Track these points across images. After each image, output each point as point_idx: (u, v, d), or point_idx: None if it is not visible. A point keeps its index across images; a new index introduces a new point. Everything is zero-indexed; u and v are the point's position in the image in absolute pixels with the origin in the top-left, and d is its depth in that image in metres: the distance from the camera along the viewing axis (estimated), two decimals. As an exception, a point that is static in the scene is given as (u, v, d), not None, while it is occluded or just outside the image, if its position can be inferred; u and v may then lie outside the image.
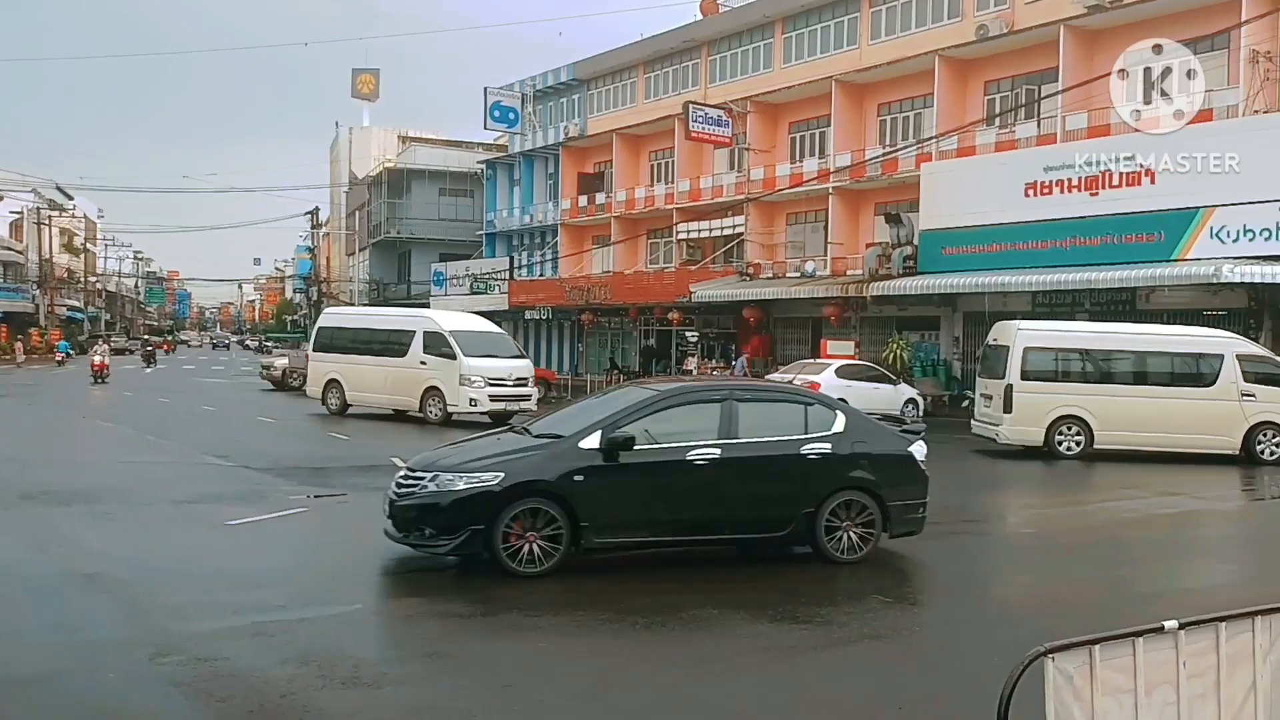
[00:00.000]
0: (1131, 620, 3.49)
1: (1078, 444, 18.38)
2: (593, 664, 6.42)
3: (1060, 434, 18.40)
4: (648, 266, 42.67)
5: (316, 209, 65.43)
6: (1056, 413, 18.35)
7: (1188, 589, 8.88)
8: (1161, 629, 3.31)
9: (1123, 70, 25.92)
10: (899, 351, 30.26)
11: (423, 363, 22.96)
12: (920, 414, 25.96)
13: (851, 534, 8.90)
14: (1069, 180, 26.30)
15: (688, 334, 37.01)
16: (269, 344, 70.86)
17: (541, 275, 47.84)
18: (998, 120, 30.11)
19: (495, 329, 25.83)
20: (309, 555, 9.82)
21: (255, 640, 6.61)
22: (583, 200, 45.60)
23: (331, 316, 27.16)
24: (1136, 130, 25.55)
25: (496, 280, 47.39)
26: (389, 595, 8.45)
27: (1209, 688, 3.46)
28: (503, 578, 8.02)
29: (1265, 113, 23.99)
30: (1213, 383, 18.24)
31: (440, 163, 59.65)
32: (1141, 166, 24.82)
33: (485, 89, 48.77)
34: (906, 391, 26.20)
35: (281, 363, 36.75)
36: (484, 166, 54.86)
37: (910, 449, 9.51)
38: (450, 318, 25.14)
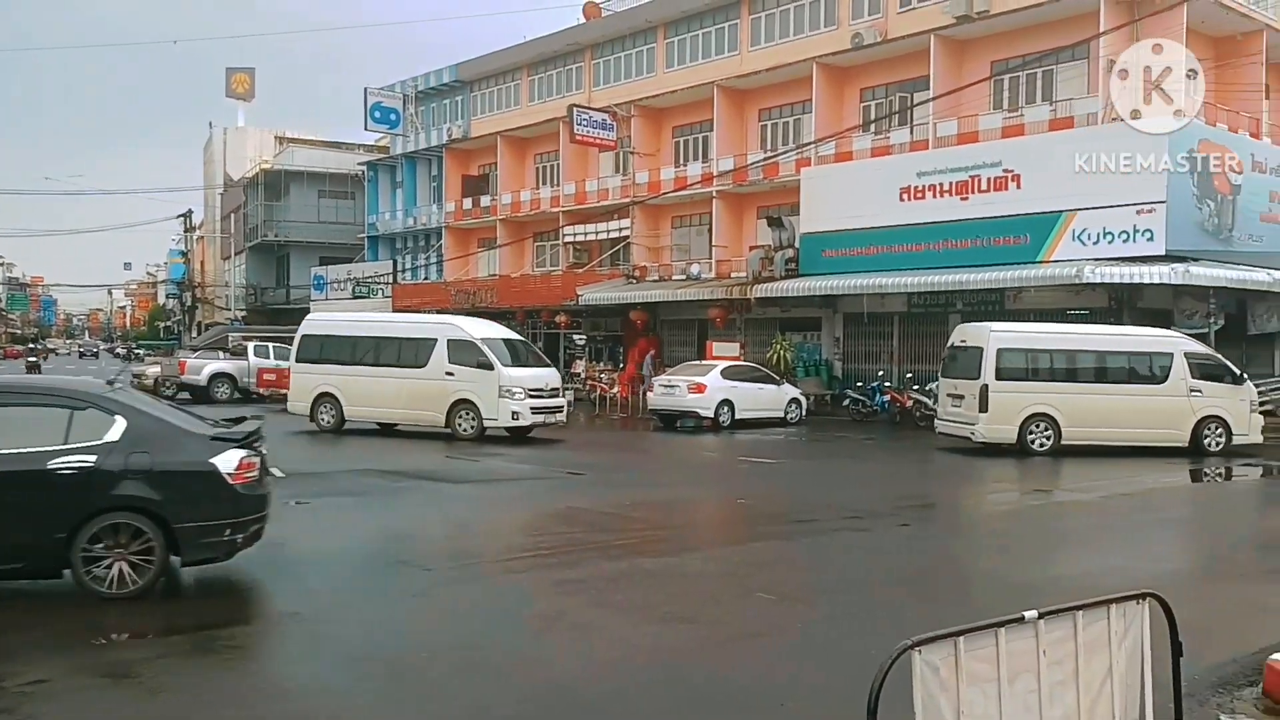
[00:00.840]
0: (1003, 609, 3.62)
1: (1047, 440, 18.97)
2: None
3: (1031, 431, 18.96)
4: (534, 269, 42.49)
5: (190, 211, 63.33)
6: (1028, 411, 18.92)
7: (1061, 577, 9.25)
8: (1022, 619, 3.46)
9: (990, 79, 27.03)
10: (782, 352, 30.83)
11: (449, 374, 20.73)
12: (804, 413, 26.50)
13: (123, 564, 7.54)
14: (941, 185, 27.18)
15: (575, 337, 36.98)
16: (140, 352, 68.16)
17: (426, 279, 47.15)
18: (873, 126, 30.93)
19: (516, 335, 24.08)
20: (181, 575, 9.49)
21: None
22: (467, 203, 45.15)
23: (318, 323, 23.85)
24: (1003, 137, 26.67)
25: (380, 284, 46.56)
26: None
27: (1069, 675, 3.62)
28: None
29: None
30: (1164, 380, 19.21)
31: (320, 164, 58.30)
32: (1008, 172, 25.81)
33: (365, 90, 47.86)
34: (790, 391, 26.69)
35: (153, 370, 35.51)
36: (365, 168, 53.82)
37: (214, 461, 7.85)
38: (472, 323, 22.69)
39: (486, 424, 20.55)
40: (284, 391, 30.33)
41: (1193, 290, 24.09)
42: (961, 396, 19.70)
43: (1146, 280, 23.13)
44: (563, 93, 41.99)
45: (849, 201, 28.95)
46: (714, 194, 34.47)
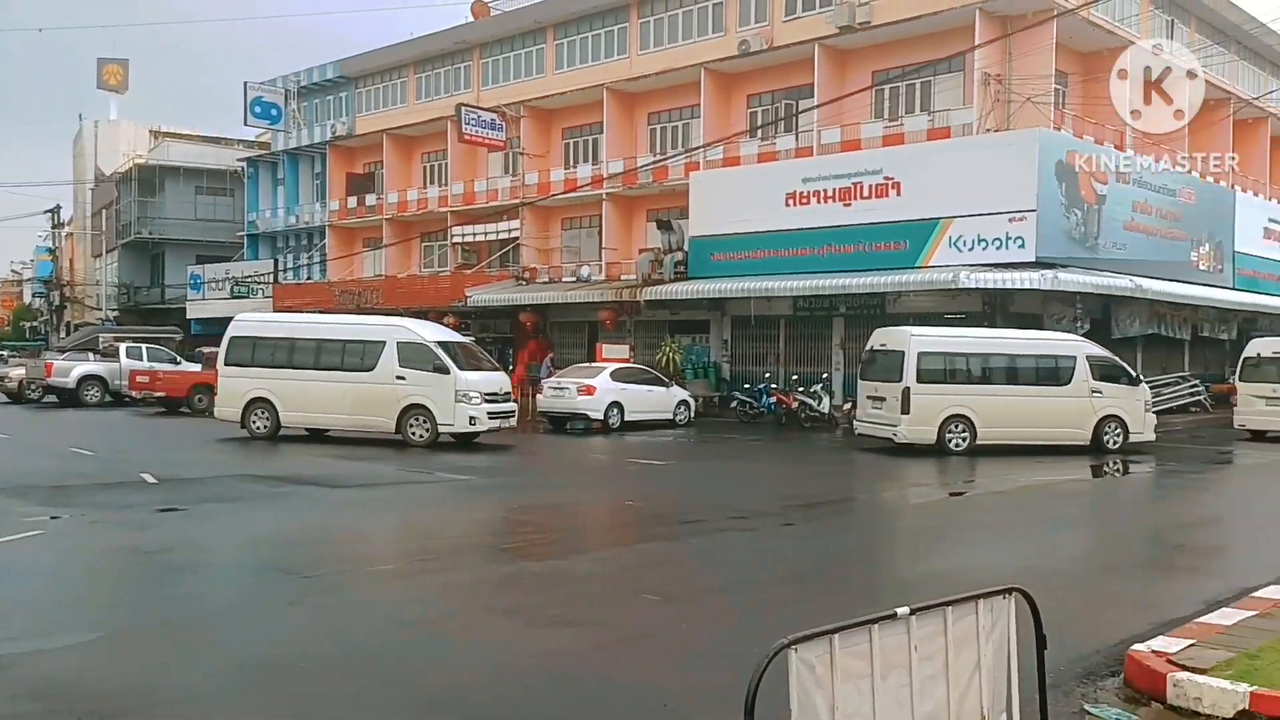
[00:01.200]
0: (882, 605, 3.71)
1: (964, 440, 19.56)
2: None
3: (950, 432, 19.51)
4: (421, 270, 41.90)
5: (58, 207, 60.71)
6: (947, 412, 19.47)
7: (939, 573, 9.52)
8: (894, 616, 3.55)
9: (871, 88, 27.74)
10: (671, 354, 31.07)
11: (400, 378, 19.93)
12: (692, 415, 26.74)
13: None
14: (825, 191, 27.77)
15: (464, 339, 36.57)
16: (3, 353, 64.88)
17: (309, 279, 46.06)
18: (760, 132, 31.43)
19: (463, 337, 23.24)
20: (44, 582, 9.06)
21: (-20, 680, 6.02)
22: (352, 201, 44.26)
23: (248, 324, 22.25)
24: (884, 145, 27.43)
25: (260, 284, 45.30)
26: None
27: (939, 669, 3.73)
28: None
29: (996, 131, 26.12)
30: (1068, 381, 20.08)
31: (197, 160, 56.37)
32: (889, 180, 26.53)
33: (245, 84, 46.46)
34: (679, 393, 26.90)
35: (18, 373, 33.86)
36: (245, 165, 52.27)
37: None
38: (422, 325, 21.97)
39: (441, 429, 19.97)
40: (158, 394, 29.38)
41: (1061, 296, 25.14)
42: (883, 399, 20.13)
43: (1018, 286, 24.05)
44: (450, 92, 41.54)
45: (737, 206, 29.35)
46: (604, 196, 34.53)
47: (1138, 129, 27.09)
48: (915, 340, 19.91)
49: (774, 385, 27.76)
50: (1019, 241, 24.39)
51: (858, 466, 18.96)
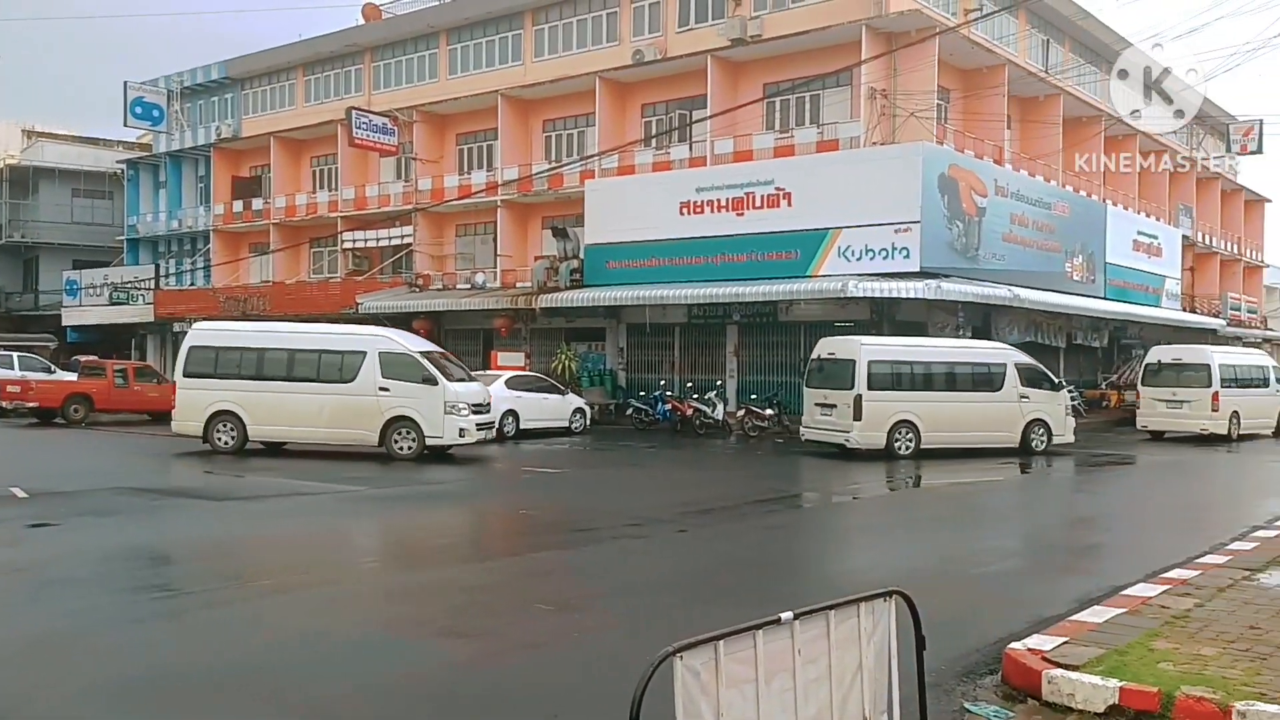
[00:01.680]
0: (770, 609, 3.75)
1: (910, 444, 20.34)
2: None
3: (896, 437, 20.24)
4: (311, 276, 41.02)
5: (-80, 208, 57.27)
6: (895, 418, 20.23)
7: (827, 576, 9.72)
8: (779, 621, 3.60)
9: (763, 100, 28.22)
10: (567, 362, 31.02)
11: (383, 389, 19.21)
12: (588, 422, 26.74)
13: None
14: (719, 200, 28.12)
15: (355, 347, 35.87)
16: None
17: (193, 285, 44.62)
18: (654, 141, 31.67)
19: (438, 348, 22.35)
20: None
21: None
22: (238, 205, 43.07)
23: (209, 334, 20.96)
24: (775, 156, 27.91)
25: (140, 290, 43.70)
26: None
27: (822, 672, 3.80)
28: None
29: (882, 144, 26.82)
30: (1000, 387, 21.34)
31: (74, 161, 54.06)
32: (780, 190, 27.00)
33: (125, 84, 44.78)
34: (575, 401, 26.88)
35: None
36: (125, 167, 50.43)
37: None
38: (403, 335, 21.28)
39: (429, 442, 19.35)
40: (31, 404, 28.09)
41: (944, 304, 25.93)
42: (833, 406, 20.66)
43: (904, 295, 24.72)
44: (341, 94, 40.79)
45: (632, 214, 29.50)
46: (499, 203, 34.35)
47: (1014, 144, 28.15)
48: (865, 350, 20.61)
49: (669, 393, 27.98)
50: (904, 252, 25.07)
51: (752, 472, 19.20)
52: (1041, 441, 21.47)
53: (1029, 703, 5.94)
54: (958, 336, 25.45)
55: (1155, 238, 37.09)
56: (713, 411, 26.25)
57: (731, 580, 9.50)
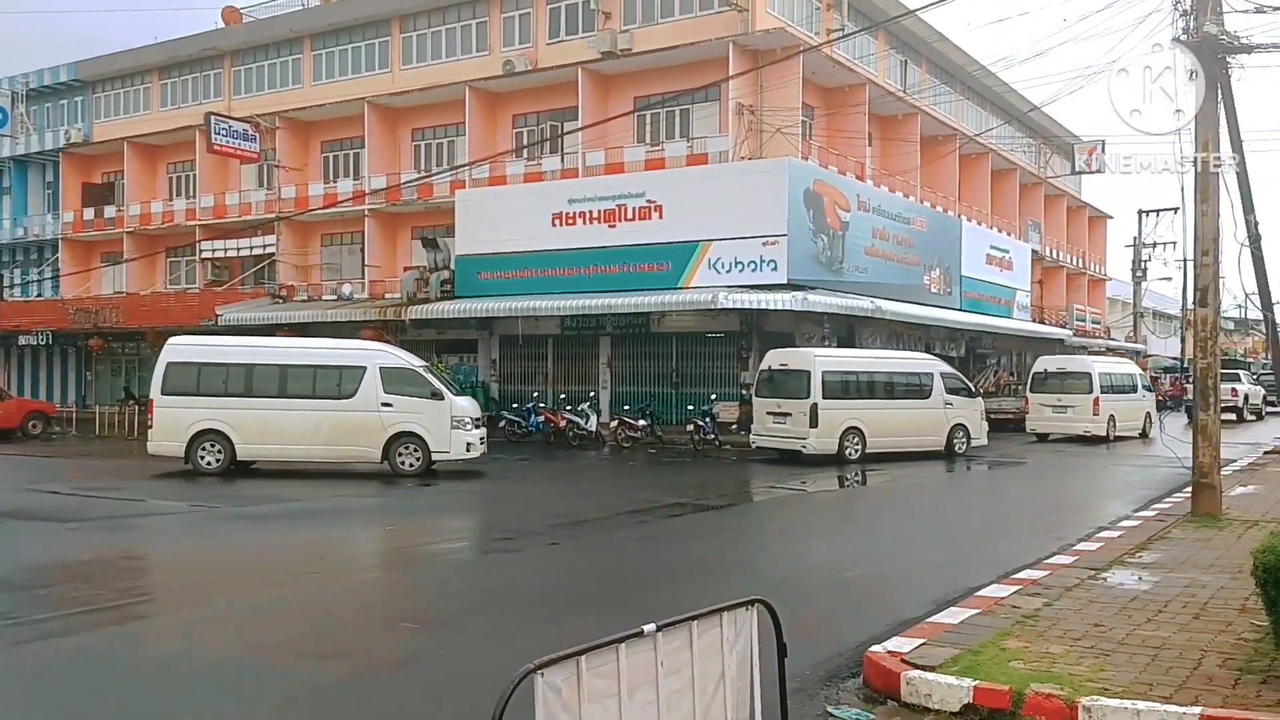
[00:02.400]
0: (639, 620, 3.73)
1: (858, 449, 21.54)
2: None
3: (846, 442, 21.33)
4: (168, 287, 39.49)
5: None
6: (846, 424, 21.29)
7: (698, 583, 9.77)
8: (642, 633, 3.60)
9: (633, 113, 28.46)
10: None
11: (386, 404, 18.65)
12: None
13: None
14: (591, 212, 28.20)
15: (214, 360, 34.62)
16: None
17: (39, 295, 42.40)
18: (526, 152, 31.57)
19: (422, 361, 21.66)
20: None
21: None
22: (89, 213, 41.15)
23: (188, 349, 19.65)
24: (646, 169, 28.15)
25: (-20, 301, 41.24)
26: None
27: (685, 683, 3.81)
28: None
29: (750, 159, 27.34)
30: (929, 395, 22.95)
31: (-94, 163, 50.74)
32: (651, 203, 27.26)
33: (-36, 84, 42.37)
34: (445, 414, 26.44)
35: None
36: (-37, 171, 47.59)
37: None
38: (399, 351, 20.73)
39: (436, 458, 18.87)
40: None
41: (811, 316, 26.56)
42: (788, 414, 21.42)
43: (772, 306, 25.23)
44: (199, 99, 39.41)
45: (504, 225, 29.32)
46: (366, 212, 33.70)
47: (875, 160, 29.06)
48: (819, 360, 21.71)
49: (542, 404, 27.85)
50: (772, 264, 25.59)
51: (625, 482, 19.24)
52: (963, 444, 23.03)
53: (889, 704, 6.09)
54: (825, 346, 26.11)
55: (1007, 252, 38.80)
56: (586, 423, 26.25)
57: (602, 592, 9.49)
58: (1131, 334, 54.58)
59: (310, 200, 34.91)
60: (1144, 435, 28.80)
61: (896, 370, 23.42)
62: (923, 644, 6.73)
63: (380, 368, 19.02)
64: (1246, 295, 28.00)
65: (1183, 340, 49.88)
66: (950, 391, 23.19)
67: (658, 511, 15.71)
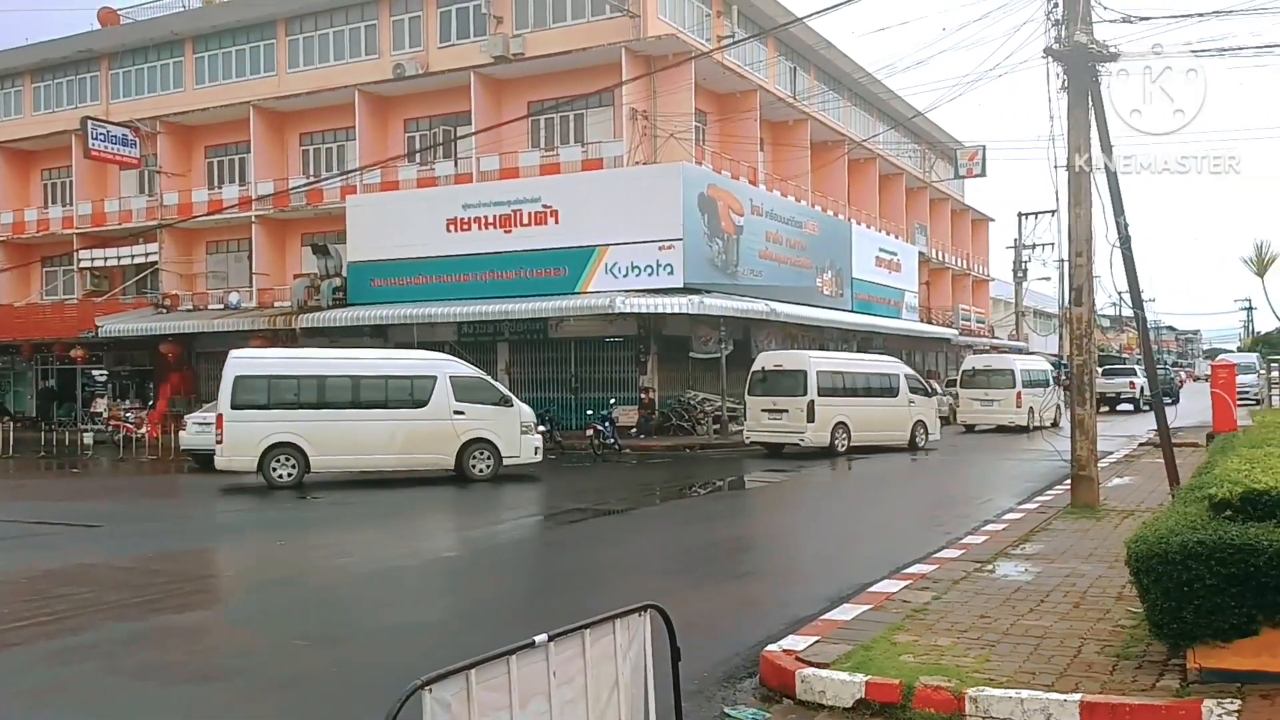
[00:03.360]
0: (536, 629, 3.70)
1: (845, 443, 23.28)
2: None
3: (837, 436, 23.10)
4: (43, 298, 37.88)
5: None
6: (836, 419, 23.08)
7: (593, 590, 9.76)
8: (533, 644, 3.57)
9: (527, 118, 28.32)
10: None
11: (458, 412, 18.94)
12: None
13: None
14: (486, 218, 27.99)
15: (95, 373, 33.33)
16: None
17: (-101, 307, 40.15)
18: (418, 157, 31.16)
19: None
20: None
21: None
22: (-45, 221, 39.15)
23: (254, 362, 19.50)
24: (541, 174, 28.07)
25: None
26: None
27: (578, 692, 3.79)
28: None
29: (645, 164, 27.48)
30: (898, 394, 24.82)
31: None
32: (547, 208, 27.18)
33: None
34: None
35: None
36: None
37: None
38: (458, 360, 20.96)
39: (507, 462, 19.40)
40: None
41: (707, 319, 26.81)
42: (784, 411, 23.11)
43: (668, 310, 25.40)
44: (75, 103, 37.97)
45: (397, 231, 28.90)
46: (254, 219, 32.86)
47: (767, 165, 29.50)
48: (814, 362, 23.79)
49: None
50: (668, 268, 25.77)
51: (521, 490, 19.10)
52: (923, 439, 24.81)
53: (785, 702, 6.16)
54: (720, 350, 26.39)
55: (895, 254, 39.81)
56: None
57: (503, 603, 9.40)
58: (1014, 332, 56.49)
59: (194, 207, 33.86)
60: (1055, 424, 29.90)
61: (872, 371, 25.49)
62: (817, 641, 6.83)
63: (450, 377, 19.37)
64: (1120, 294, 29.38)
65: (1061, 338, 51.85)
66: (913, 391, 25.11)
67: (558, 518, 15.65)
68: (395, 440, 18.87)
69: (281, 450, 18.56)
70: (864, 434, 23.74)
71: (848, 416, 23.47)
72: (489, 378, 20.56)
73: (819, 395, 22.97)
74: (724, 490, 18.63)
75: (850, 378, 24.50)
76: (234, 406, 18.64)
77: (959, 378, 32.79)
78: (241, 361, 19.21)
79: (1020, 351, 50.71)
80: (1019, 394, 30.17)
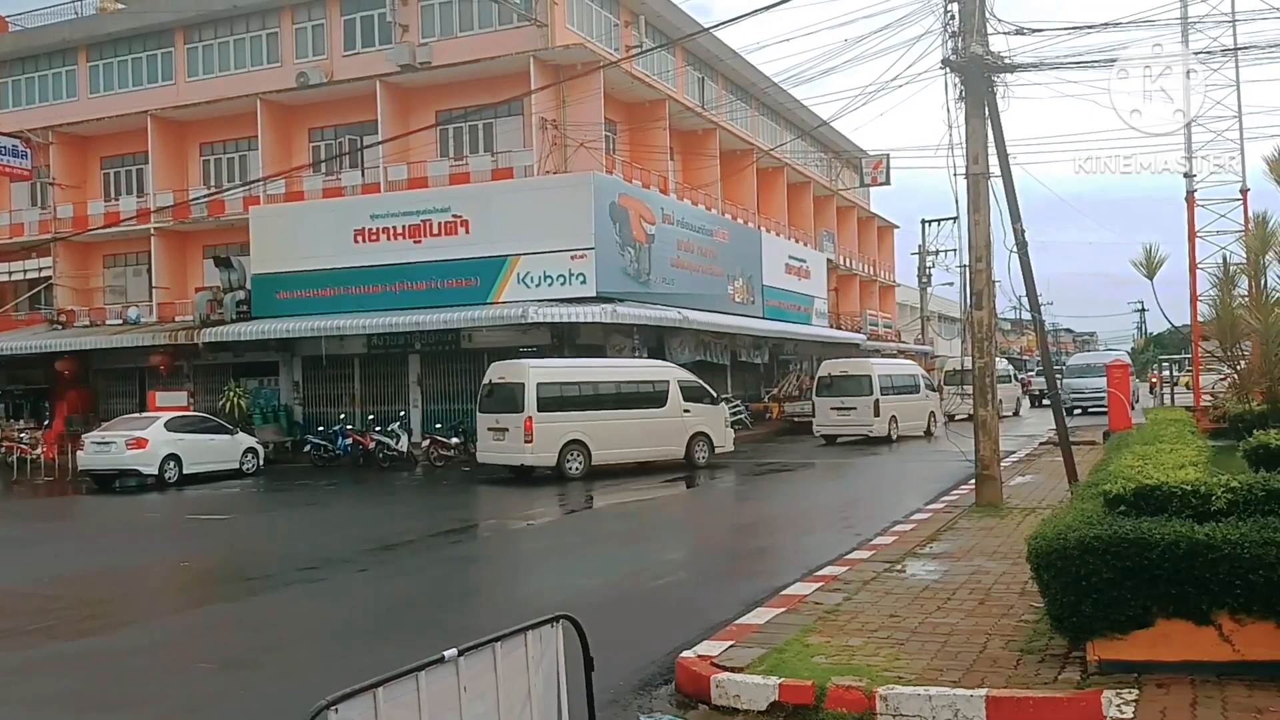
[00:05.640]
0: (450, 643, 3.65)
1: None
2: None
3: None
4: (-71, 315, 36.17)
5: None
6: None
7: (505, 601, 9.69)
8: (443, 659, 3.53)
9: (436, 127, 28.07)
10: (236, 399, 29.31)
11: (686, 410, 22.32)
12: (261, 462, 25.25)
13: None
14: (395, 228, 27.64)
15: (-16, 392, 32.08)
16: None
17: None
18: (324, 167, 30.65)
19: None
20: None
21: None
22: None
23: (546, 371, 21.62)
24: (451, 184, 27.83)
25: None
26: None
27: (490, 707, 3.76)
28: None
29: (555, 173, 27.44)
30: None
31: None
32: (457, 218, 26.96)
33: None
34: (245, 440, 25.28)
35: None
36: None
37: None
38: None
39: (717, 451, 22.81)
40: None
41: (621, 328, 26.87)
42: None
43: (582, 319, 25.39)
44: (-38, 112, 36.38)
45: (303, 242, 28.38)
46: (152, 231, 31.96)
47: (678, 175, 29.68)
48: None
49: (350, 426, 27.02)
50: (581, 277, 25.75)
51: (436, 503, 18.91)
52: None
53: (700, 708, 6.20)
54: (635, 357, 26.46)
55: (804, 261, 40.38)
56: (396, 443, 25.63)
57: (411, 618, 9.27)
58: (919, 336, 57.80)
59: (90, 219, 32.77)
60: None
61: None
62: (731, 646, 6.89)
63: (678, 381, 22.75)
64: (1019, 298, 30.13)
65: (964, 341, 53.19)
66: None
67: (468, 531, 15.53)
68: (646, 434, 21.71)
69: (574, 447, 20.82)
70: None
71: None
72: (702, 381, 23.63)
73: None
74: (645, 497, 18.65)
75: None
76: (540, 410, 20.57)
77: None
78: (538, 371, 21.38)
79: (926, 355, 51.96)
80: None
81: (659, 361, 25.45)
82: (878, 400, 28.01)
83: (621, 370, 23.41)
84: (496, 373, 21.57)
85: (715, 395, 23.92)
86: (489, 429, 21.20)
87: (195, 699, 6.92)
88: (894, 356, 42.55)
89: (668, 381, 22.63)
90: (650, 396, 22.21)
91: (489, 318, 26.00)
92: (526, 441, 20.25)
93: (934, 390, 32.84)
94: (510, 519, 16.49)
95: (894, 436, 28.37)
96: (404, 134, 27.06)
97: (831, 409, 28.51)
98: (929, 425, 30.38)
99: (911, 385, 30.54)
